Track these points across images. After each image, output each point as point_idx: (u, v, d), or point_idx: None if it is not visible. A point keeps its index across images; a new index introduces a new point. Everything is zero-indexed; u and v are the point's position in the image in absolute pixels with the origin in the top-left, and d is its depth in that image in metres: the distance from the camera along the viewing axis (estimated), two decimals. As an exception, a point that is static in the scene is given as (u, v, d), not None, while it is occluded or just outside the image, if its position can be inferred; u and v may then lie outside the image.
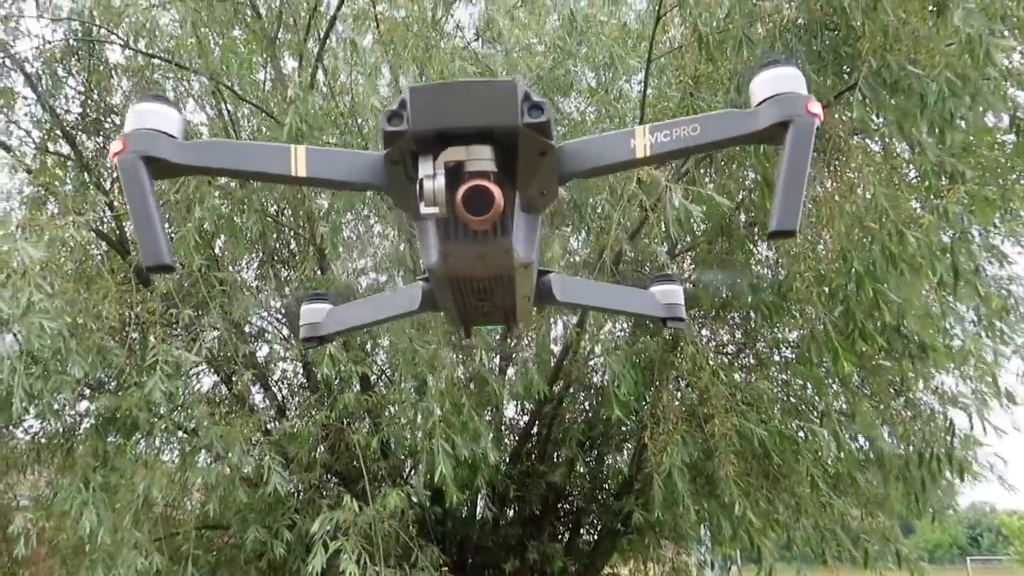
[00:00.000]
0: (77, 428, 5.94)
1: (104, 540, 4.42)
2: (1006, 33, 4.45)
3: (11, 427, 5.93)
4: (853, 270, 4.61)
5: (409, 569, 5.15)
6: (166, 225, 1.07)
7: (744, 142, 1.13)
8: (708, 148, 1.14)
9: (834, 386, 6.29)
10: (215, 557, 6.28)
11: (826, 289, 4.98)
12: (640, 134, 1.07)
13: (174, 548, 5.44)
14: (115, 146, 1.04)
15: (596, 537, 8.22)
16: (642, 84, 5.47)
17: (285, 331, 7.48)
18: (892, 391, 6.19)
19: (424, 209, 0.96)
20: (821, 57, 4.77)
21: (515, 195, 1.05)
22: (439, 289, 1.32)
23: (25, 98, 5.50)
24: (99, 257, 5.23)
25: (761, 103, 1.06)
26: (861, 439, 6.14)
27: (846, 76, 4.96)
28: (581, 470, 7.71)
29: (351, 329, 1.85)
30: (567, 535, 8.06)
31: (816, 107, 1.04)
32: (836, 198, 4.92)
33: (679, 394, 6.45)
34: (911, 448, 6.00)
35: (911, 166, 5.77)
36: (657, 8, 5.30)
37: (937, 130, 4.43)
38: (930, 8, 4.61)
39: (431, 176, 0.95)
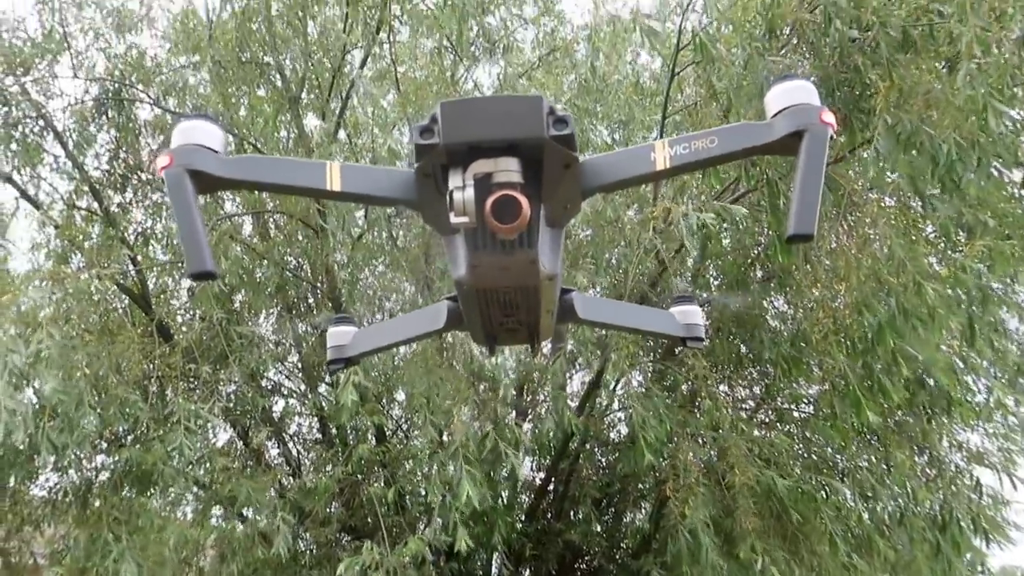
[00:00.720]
0: (93, 481, 5.92)
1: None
2: (1017, 91, 4.52)
3: (27, 481, 5.92)
4: (870, 323, 4.59)
5: None
6: (209, 236, 1.13)
7: (760, 153, 1.17)
8: (725, 159, 1.18)
9: (855, 443, 6.19)
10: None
11: (845, 341, 4.94)
12: (660, 147, 1.12)
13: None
14: (162, 160, 1.09)
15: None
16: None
17: (302, 386, 7.49)
18: (914, 448, 6.08)
19: (454, 219, 1.01)
20: (837, 112, 4.84)
21: (540, 207, 1.09)
22: (466, 303, 1.36)
23: (55, 156, 5.65)
24: (121, 310, 5.29)
25: (776, 115, 1.11)
26: (885, 498, 6.00)
27: (860, 132, 5.03)
28: (598, 528, 7.57)
29: (377, 350, 1.89)
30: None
31: (829, 117, 1.08)
32: (852, 251, 4.93)
33: (697, 450, 6.36)
34: (936, 508, 5.87)
35: (927, 221, 5.79)
36: (672, 66, 5.41)
37: (948, 187, 4.47)
38: (941, 67, 4.70)
39: (461, 187, 1.00)
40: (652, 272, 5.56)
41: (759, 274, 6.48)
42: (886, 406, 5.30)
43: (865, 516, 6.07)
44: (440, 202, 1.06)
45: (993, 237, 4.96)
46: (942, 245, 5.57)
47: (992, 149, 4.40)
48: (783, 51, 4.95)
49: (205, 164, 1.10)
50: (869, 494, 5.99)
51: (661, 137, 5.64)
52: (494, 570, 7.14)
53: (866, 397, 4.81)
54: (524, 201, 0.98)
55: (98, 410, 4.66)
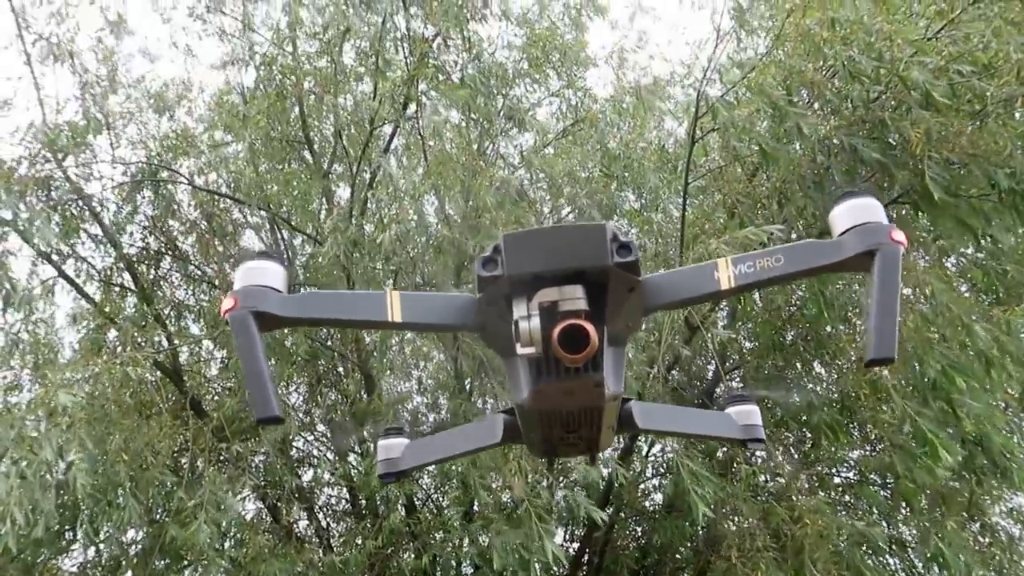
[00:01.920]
0: (124, 556, 5.88)
1: None
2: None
3: (57, 557, 5.89)
4: (923, 376, 4.44)
5: None
6: (275, 380, 1.13)
7: (829, 271, 1.17)
8: (792, 278, 1.19)
9: (901, 513, 5.96)
10: None
11: (891, 402, 4.78)
12: (723, 266, 1.11)
13: None
14: (226, 303, 1.10)
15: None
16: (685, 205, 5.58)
17: (330, 455, 7.44)
18: (965, 515, 5.84)
19: (521, 350, 1.00)
20: (865, 167, 4.80)
21: (604, 330, 1.07)
22: (525, 422, 1.34)
23: (91, 235, 5.78)
24: (153, 384, 5.33)
25: (844, 233, 1.10)
26: (937, 569, 5.74)
27: (887, 189, 5.00)
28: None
29: (430, 463, 1.88)
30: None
31: (900, 235, 1.07)
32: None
33: (735, 520, 6.17)
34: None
35: (963, 279, 5.70)
36: (691, 133, 5.46)
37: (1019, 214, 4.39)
38: (971, 120, 4.68)
39: (526, 317, 0.99)
40: (683, 337, 5.50)
41: (793, 336, 6.38)
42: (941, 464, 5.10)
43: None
44: (502, 328, 1.06)
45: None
46: (982, 299, 5.46)
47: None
48: (806, 108, 4.96)
49: (269, 305, 1.11)
50: (919, 564, 5.74)
51: (684, 202, 5.67)
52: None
53: (919, 460, 4.63)
54: (592, 330, 0.97)
55: (134, 491, 4.65)
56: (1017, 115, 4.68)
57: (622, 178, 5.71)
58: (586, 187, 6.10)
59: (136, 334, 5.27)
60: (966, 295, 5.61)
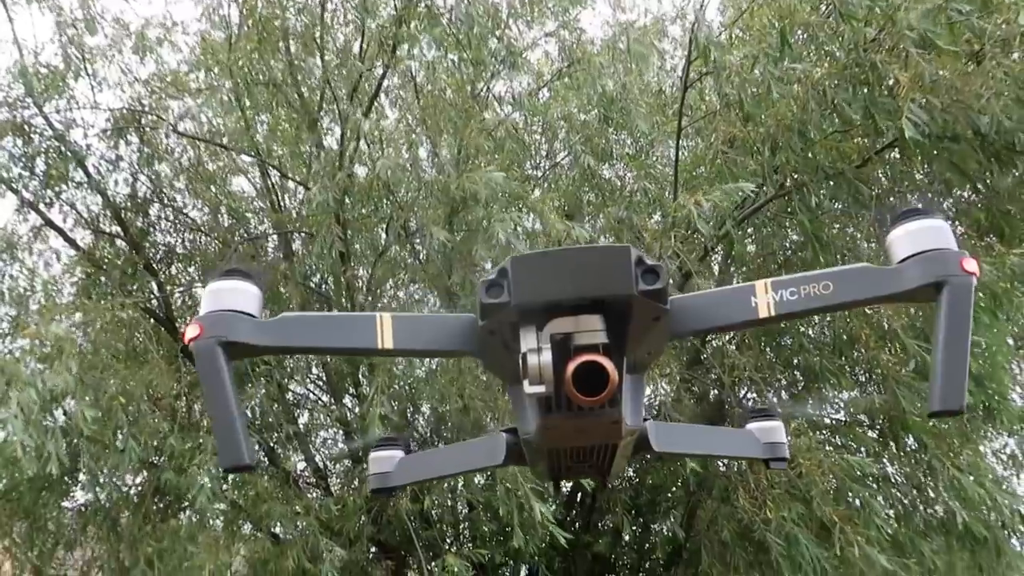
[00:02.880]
0: (123, 501, 5.96)
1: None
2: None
3: (59, 501, 5.97)
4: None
5: None
6: (246, 417, 1.00)
7: (886, 303, 1.05)
8: (842, 308, 1.05)
9: (888, 452, 6.07)
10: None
11: (892, 343, 4.79)
12: (762, 291, 0.97)
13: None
14: (191, 331, 0.95)
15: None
16: (680, 148, 5.51)
17: (325, 397, 7.51)
18: (952, 454, 5.95)
19: (529, 388, 0.86)
20: (865, 112, 4.73)
21: (623, 361, 0.94)
22: (531, 452, 1.21)
23: (77, 183, 5.69)
24: (146, 333, 5.32)
25: (905, 259, 0.95)
26: (922, 505, 5.88)
27: (884, 133, 4.94)
28: (627, 539, 7.51)
29: (424, 480, 1.74)
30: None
31: (972, 264, 0.93)
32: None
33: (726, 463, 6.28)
34: (975, 514, 5.73)
35: (958, 223, 5.68)
36: (685, 76, 5.36)
37: (1001, 163, 4.33)
38: (965, 61, 4.60)
39: (536, 350, 0.85)
40: (677, 282, 5.48)
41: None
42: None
43: (902, 523, 5.94)
44: (507, 357, 0.92)
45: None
46: (986, 240, 5.44)
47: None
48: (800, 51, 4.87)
49: (241, 333, 0.96)
50: (906, 502, 5.88)
51: (677, 147, 5.59)
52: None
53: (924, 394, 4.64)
54: (612, 368, 0.84)
55: (133, 434, 4.69)
56: (1015, 55, 4.59)
57: (620, 122, 5.60)
58: (582, 131, 6.01)
59: (126, 281, 5.23)
60: (969, 234, 5.59)
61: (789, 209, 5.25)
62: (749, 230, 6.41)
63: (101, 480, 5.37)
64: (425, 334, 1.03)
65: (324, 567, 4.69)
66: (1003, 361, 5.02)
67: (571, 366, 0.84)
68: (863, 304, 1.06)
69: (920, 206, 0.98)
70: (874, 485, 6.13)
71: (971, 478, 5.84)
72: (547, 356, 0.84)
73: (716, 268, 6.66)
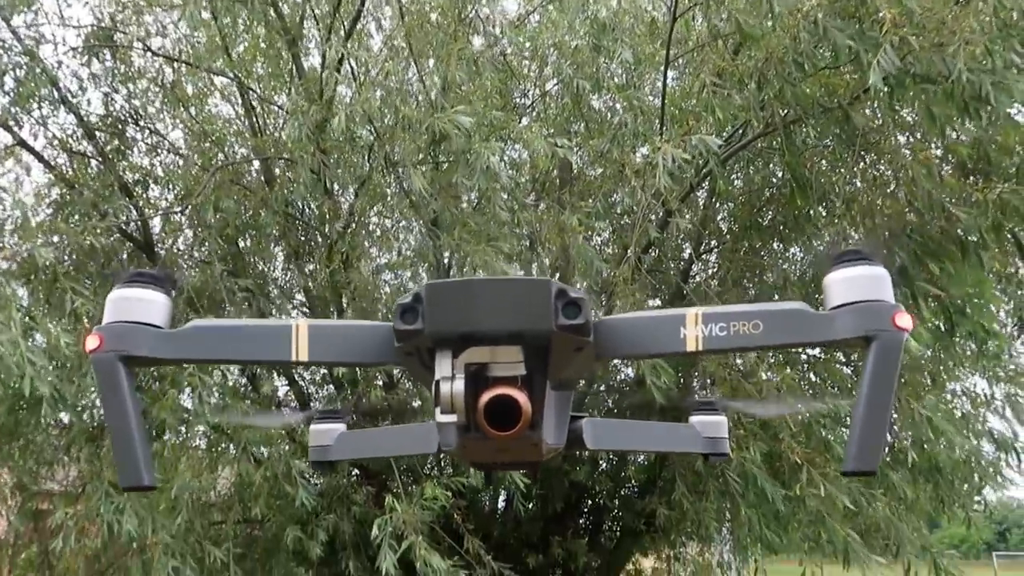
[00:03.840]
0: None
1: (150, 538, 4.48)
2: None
3: (40, 423, 6.02)
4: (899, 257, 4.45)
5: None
6: (147, 429, 0.95)
7: (815, 347, 1.02)
8: (770, 348, 1.01)
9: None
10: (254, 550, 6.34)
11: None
12: (692, 322, 0.93)
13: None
14: (91, 342, 0.89)
15: (619, 534, 8.21)
16: (670, 80, 5.40)
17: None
18: (921, 393, 6.07)
19: (440, 416, 0.84)
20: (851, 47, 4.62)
21: (544, 388, 0.91)
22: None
23: (49, 102, 5.54)
24: (123, 258, 5.26)
25: (839, 307, 0.91)
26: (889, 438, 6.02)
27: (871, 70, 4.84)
28: (604, 467, 7.70)
29: (360, 457, 1.73)
30: (590, 532, 8.06)
31: (905, 320, 0.89)
32: (874, 189, 4.80)
33: (706, 392, 6.39)
34: (942, 449, 5.89)
35: (944, 163, 5.64)
36: (673, 8, 5.21)
37: (968, 114, 4.26)
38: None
39: (449, 379, 0.83)
40: (659, 219, 5.47)
41: (771, 217, 6.37)
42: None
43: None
44: (425, 372, 0.89)
45: (1013, 182, 4.83)
46: (971, 180, 5.43)
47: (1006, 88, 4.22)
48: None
49: (143, 347, 0.90)
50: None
51: (664, 79, 5.46)
52: (499, 508, 7.31)
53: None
54: (524, 401, 0.82)
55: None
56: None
57: (611, 50, 5.45)
58: (573, 58, 5.87)
59: (100, 203, 5.15)
60: (950, 175, 5.56)
61: (775, 145, 5.19)
62: (736, 167, 6.36)
63: (83, 403, 5.42)
64: (342, 345, 0.98)
65: (300, 492, 4.79)
66: (988, 293, 5.04)
67: (483, 398, 0.83)
68: (792, 347, 1.02)
69: (861, 251, 0.94)
70: (846, 421, 6.28)
71: (939, 414, 5.99)
72: (459, 386, 0.83)
73: (701, 203, 6.63)
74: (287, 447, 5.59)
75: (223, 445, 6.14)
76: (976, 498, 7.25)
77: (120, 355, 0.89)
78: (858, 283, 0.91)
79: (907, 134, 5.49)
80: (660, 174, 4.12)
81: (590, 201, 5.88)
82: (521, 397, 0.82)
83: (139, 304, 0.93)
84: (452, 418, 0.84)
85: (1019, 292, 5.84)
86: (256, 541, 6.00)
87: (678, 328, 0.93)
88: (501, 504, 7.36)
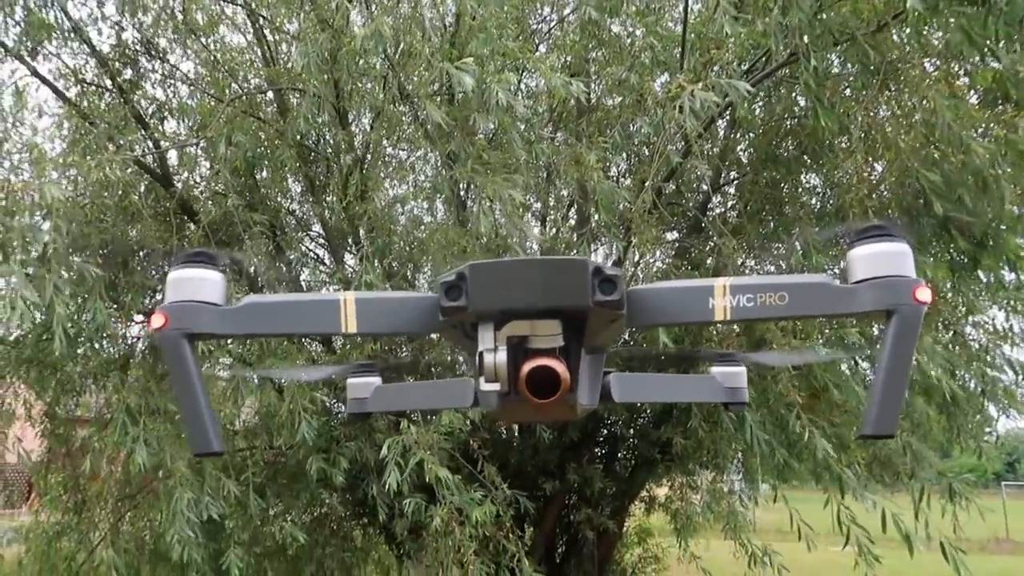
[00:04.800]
0: (132, 353, 6.16)
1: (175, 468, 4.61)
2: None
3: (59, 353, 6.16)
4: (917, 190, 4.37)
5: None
6: (210, 401, 1.00)
7: (838, 318, 1.04)
8: (795, 319, 1.06)
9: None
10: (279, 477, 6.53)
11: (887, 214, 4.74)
12: (720, 292, 0.98)
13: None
14: (156, 320, 0.97)
15: (634, 463, 8.37)
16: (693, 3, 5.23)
17: (327, 258, 7.60)
18: (940, 324, 6.06)
19: (484, 386, 0.92)
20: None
21: (580, 356, 0.98)
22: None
23: (61, 31, 5.46)
24: (143, 190, 5.27)
25: (862, 281, 0.96)
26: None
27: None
28: (619, 398, 7.79)
29: (396, 411, 1.82)
30: (605, 461, 8.22)
31: (925, 294, 0.94)
32: (897, 120, 4.69)
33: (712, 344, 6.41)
34: (957, 381, 5.92)
35: (973, 91, 5.49)
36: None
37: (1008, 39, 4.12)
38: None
39: (492, 350, 0.91)
40: (679, 150, 5.38)
41: (791, 148, 6.25)
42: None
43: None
44: (467, 342, 0.96)
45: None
46: (995, 110, 5.29)
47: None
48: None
49: (205, 324, 0.99)
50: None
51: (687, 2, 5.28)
52: (515, 437, 7.46)
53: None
54: (563, 371, 0.89)
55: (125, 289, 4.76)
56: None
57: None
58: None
59: (116, 134, 5.13)
60: (974, 105, 5.42)
61: (796, 74, 5.05)
62: (757, 96, 6.22)
63: (107, 333, 5.53)
64: (388, 316, 1.05)
65: (303, 428, 4.88)
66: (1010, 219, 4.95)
67: (525, 368, 0.89)
68: (815, 318, 1.06)
69: (884, 226, 0.98)
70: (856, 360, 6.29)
71: (956, 350, 6.00)
72: (502, 357, 0.90)
73: (720, 134, 6.52)
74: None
75: (246, 376, 6.26)
76: (987, 429, 7.31)
77: (184, 332, 0.97)
78: (881, 258, 0.96)
79: (934, 61, 5.33)
80: (686, 113, 4.05)
81: (608, 132, 5.79)
82: (560, 367, 0.89)
83: (198, 283, 1.00)
84: (495, 387, 0.91)
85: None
86: (282, 468, 6.17)
87: (706, 298, 0.98)
88: (517, 433, 7.50)
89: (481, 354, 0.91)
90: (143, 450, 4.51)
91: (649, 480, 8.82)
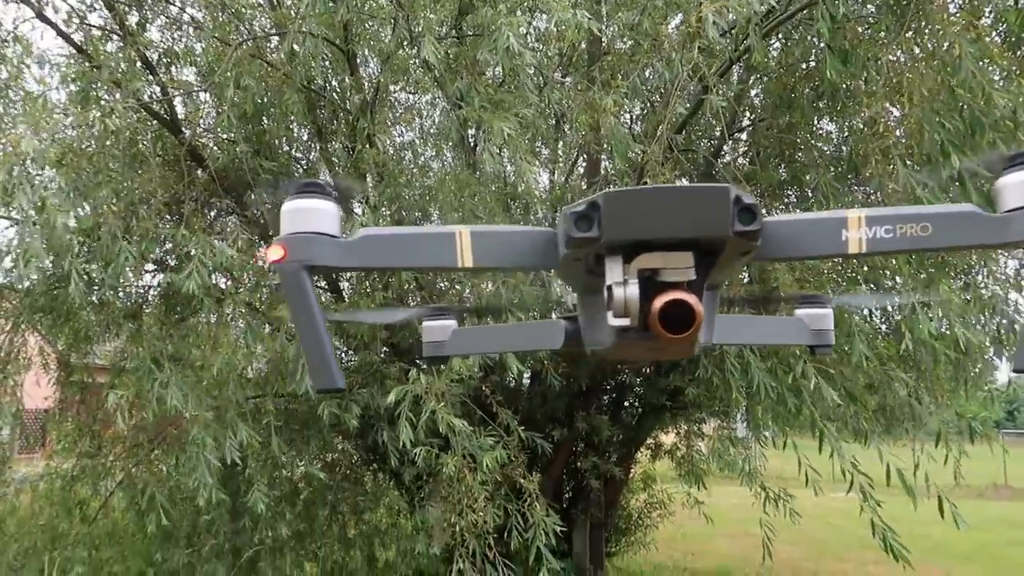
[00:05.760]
0: (145, 301, 6.17)
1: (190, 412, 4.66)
2: None
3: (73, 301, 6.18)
4: (936, 139, 4.28)
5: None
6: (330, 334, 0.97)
7: (987, 249, 0.99)
8: (939, 250, 1.01)
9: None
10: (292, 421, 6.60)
11: (904, 163, 4.65)
12: (854, 223, 0.92)
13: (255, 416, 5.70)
14: (274, 253, 0.93)
15: (640, 411, 8.45)
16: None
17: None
18: (951, 275, 6.03)
19: (613, 320, 0.87)
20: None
21: (703, 289, 0.94)
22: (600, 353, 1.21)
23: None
24: (151, 136, 5.21)
25: (1015, 209, 0.90)
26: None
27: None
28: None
29: (477, 353, 1.79)
30: (612, 409, 8.29)
31: None
32: (916, 63, 4.59)
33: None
34: (968, 330, 5.91)
35: (996, 32, 5.37)
36: None
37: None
38: None
39: (622, 283, 0.86)
40: (694, 94, 5.30)
41: (807, 92, 6.15)
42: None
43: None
44: (586, 277, 0.93)
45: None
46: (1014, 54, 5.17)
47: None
48: None
49: (325, 256, 0.94)
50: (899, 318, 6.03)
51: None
52: (524, 385, 7.51)
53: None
54: (698, 306, 0.84)
55: (135, 238, 4.74)
56: None
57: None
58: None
59: (123, 79, 5.06)
60: (998, 50, 5.29)
61: (812, 17, 4.93)
62: (773, 42, 6.10)
63: (119, 280, 5.53)
64: (504, 250, 1.00)
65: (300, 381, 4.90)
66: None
67: (658, 303, 0.84)
68: (962, 249, 1.02)
69: None
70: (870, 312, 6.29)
71: (968, 299, 5.98)
72: (634, 291, 0.85)
73: (735, 79, 6.40)
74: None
75: (257, 322, 6.28)
76: (989, 377, 7.36)
77: (303, 264, 0.93)
78: None
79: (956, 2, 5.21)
80: (709, 29, 3.95)
81: (620, 78, 5.69)
82: (694, 301, 0.84)
83: (315, 214, 0.95)
84: (625, 322, 0.87)
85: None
86: (294, 414, 6.23)
87: (839, 230, 0.93)
88: (526, 381, 7.54)
89: (610, 287, 0.86)
90: (177, 394, 4.54)
91: (656, 428, 8.92)
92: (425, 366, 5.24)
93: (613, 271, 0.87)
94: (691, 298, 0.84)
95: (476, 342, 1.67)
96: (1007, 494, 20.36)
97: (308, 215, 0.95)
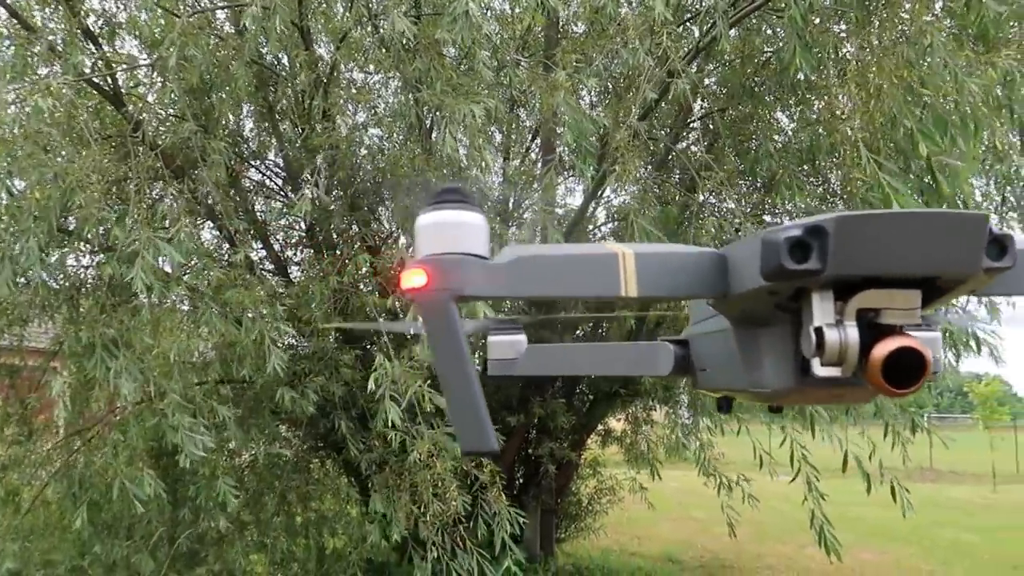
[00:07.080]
0: (83, 283, 5.89)
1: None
2: None
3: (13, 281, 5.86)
4: (905, 129, 4.29)
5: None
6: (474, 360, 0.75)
7: None
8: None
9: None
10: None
11: (865, 154, 4.66)
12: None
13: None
14: (415, 278, 0.69)
15: (591, 398, 8.49)
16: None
17: (286, 188, 7.34)
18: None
19: (821, 370, 0.71)
20: None
21: None
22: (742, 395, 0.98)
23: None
24: (91, 109, 4.92)
25: None
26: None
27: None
28: (579, 334, 7.85)
29: (557, 374, 1.49)
30: (564, 396, 8.31)
31: None
32: (889, 53, 4.63)
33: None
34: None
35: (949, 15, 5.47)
36: None
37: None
38: None
39: (836, 325, 0.70)
40: (659, 81, 5.26)
41: (765, 82, 6.19)
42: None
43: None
44: (769, 311, 0.75)
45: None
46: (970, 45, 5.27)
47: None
48: None
49: (475, 282, 0.72)
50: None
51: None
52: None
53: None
54: (929, 355, 0.68)
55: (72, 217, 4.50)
56: None
57: None
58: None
59: (64, 52, 4.78)
60: (956, 38, 5.38)
61: (782, 6, 4.95)
62: (732, 31, 6.10)
63: (52, 260, 5.26)
64: (672, 277, 0.79)
65: (272, 359, 4.76)
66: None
67: (882, 350, 0.68)
68: None
69: None
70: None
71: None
72: (854, 335, 0.70)
73: (694, 67, 6.41)
74: (266, 311, 5.53)
75: (202, 306, 6.05)
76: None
77: (453, 294, 0.71)
78: None
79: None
80: (658, 6, 3.90)
81: (577, 60, 5.63)
82: (926, 349, 0.68)
83: (464, 230, 0.74)
84: (837, 372, 0.71)
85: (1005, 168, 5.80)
86: (242, 401, 6.04)
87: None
88: (477, 368, 7.49)
89: (820, 331, 0.70)
90: (130, 383, 4.33)
91: (606, 414, 8.98)
92: (386, 351, 5.12)
93: (823, 309, 0.71)
94: (921, 346, 0.68)
95: (557, 362, 1.45)
96: (931, 476, 21.25)
97: (456, 232, 0.74)
